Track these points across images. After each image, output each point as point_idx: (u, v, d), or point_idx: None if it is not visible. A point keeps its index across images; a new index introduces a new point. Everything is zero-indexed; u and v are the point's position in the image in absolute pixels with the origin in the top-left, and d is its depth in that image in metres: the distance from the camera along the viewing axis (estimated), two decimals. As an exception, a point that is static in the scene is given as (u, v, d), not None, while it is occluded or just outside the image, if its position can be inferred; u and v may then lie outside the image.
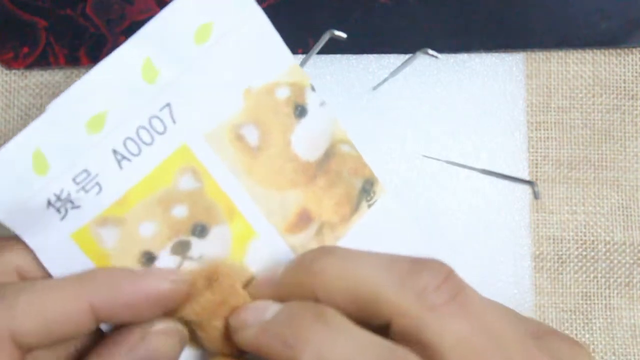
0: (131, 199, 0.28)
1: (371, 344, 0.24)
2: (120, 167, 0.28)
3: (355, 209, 0.31)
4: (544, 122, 0.44)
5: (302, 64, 0.37)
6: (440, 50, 0.40)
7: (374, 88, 0.41)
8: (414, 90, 0.41)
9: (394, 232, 0.32)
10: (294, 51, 0.43)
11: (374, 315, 0.25)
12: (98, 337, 0.28)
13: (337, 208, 0.31)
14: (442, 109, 0.41)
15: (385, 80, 0.40)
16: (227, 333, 0.27)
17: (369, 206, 0.31)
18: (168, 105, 0.28)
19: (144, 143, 0.28)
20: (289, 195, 0.30)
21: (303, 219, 0.30)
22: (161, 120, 0.28)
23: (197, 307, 0.27)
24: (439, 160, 0.39)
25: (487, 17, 0.44)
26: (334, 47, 0.39)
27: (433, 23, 0.44)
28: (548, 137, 0.44)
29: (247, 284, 0.29)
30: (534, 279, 0.43)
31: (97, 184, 0.27)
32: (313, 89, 0.31)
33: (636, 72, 0.44)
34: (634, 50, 0.44)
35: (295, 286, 0.27)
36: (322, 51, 0.35)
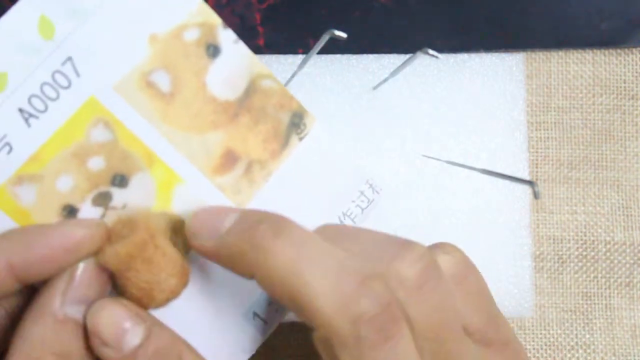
0: (44, 155, 0.28)
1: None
2: (29, 125, 0.28)
3: (285, 143, 0.31)
4: (544, 122, 0.44)
5: (302, 64, 0.37)
6: (440, 50, 0.40)
7: (374, 88, 0.41)
8: (414, 90, 0.41)
9: (327, 162, 0.32)
10: (294, 51, 0.43)
11: (303, 317, 0.25)
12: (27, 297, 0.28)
13: (265, 144, 0.31)
14: (442, 109, 0.41)
15: (385, 80, 0.40)
16: (139, 286, 0.27)
17: (300, 139, 0.31)
18: (69, 59, 0.28)
19: (50, 99, 0.28)
20: (211, 137, 0.30)
21: (229, 160, 0.30)
22: (64, 75, 0.28)
23: (111, 256, 0.27)
24: (439, 160, 0.39)
25: (487, 17, 0.44)
26: (334, 47, 0.39)
27: (433, 23, 0.44)
28: (548, 137, 0.44)
29: (176, 230, 0.29)
30: (534, 279, 0.43)
31: (7, 144, 0.28)
32: (225, 27, 0.30)
33: (636, 72, 0.44)
34: (634, 50, 0.44)
35: (237, 252, 0.26)
36: (322, 51, 0.35)
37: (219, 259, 0.27)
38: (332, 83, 0.41)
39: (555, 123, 0.44)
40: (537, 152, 0.44)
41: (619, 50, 0.44)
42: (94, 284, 0.27)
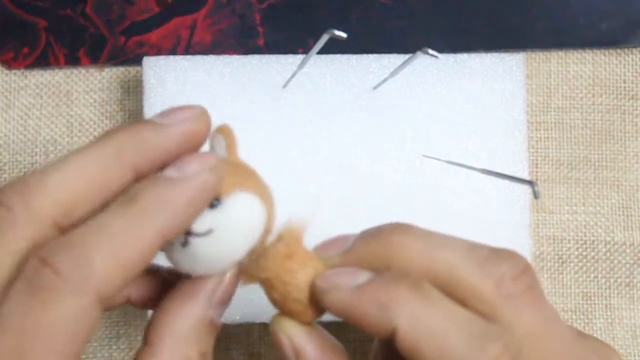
0: None
1: (465, 319, 0.25)
2: None
3: None
4: (544, 122, 0.44)
5: (302, 64, 0.37)
6: (440, 50, 0.40)
7: (374, 88, 0.41)
8: (414, 90, 0.41)
9: None
10: (294, 51, 0.43)
11: (449, 295, 0.26)
12: None
13: None
14: (442, 109, 0.41)
15: (385, 80, 0.40)
16: (296, 290, 0.27)
17: None
18: None
19: None
20: None
21: None
22: None
23: (266, 261, 0.27)
24: (439, 160, 0.39)
25: (487, 17, 0.44)
26: (334, 47, 0.39)
27: (433, 23, 0.44)
28: (548, 137, 0.44)
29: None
30: (534, 279, 0.43)
31: None
32: None
33: (636, 72, 0.44)
34: (634, 50, 0.44)
35: (369, 255, 0.27)
36: (322, 51, 0.35)
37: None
38: (332, 83, 0.41)
39: (555, 123, 0.44)
40: (537, 152, 0.44)
41: (619, 50, 0.44)
42: (233, 290, 0.28)
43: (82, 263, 0.23)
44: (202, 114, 0.27)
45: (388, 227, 0.27)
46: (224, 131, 0.27)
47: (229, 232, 0.26)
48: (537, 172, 0.44)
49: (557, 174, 0.44)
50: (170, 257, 0.27)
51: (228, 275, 0.27)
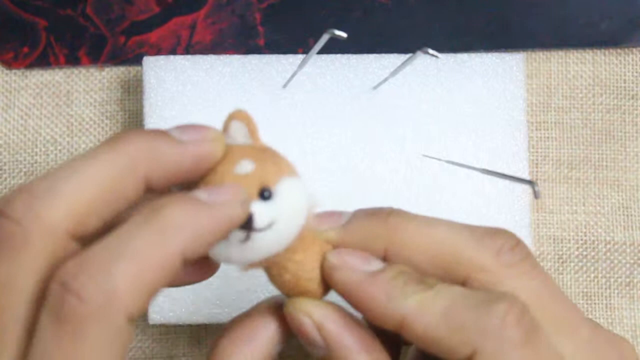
0: None
1: (468, 293, 0.26)
2: None
3: None
4: (544, 122, 0.44)
5: (302, 64, 0.37)
6: (440, 50, 0.40)
7: (374, 88, 0.41)
8: (414, 90, 0.41)
9: None
10: (294, 51, 0.43)
11: (450, 272, 0.27)
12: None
13: None
14: (442, 109, 0.41)
15: (385, 80, 0.40)
16: (309, 269, 0.27)
17: None
18: None
19: None
20: None
21: None
22: None
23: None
24: (439, 160, 0.39)
25: (487, 17, 0.44)
26: (334, 47, 0.39)
27: (433, 23, 0.44)
28: (548, 137, 0.44)
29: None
30: (534, 279, 0.43)
31: None
32: None
33: (636, 72, 0.44)
34: (634, 50, 0.44)
35: (367, 233, 0.27)
36: (322, 51, 0.35)
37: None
38: (332, 83, 0.41)
39: (555, 123, 0.44)
40: (537, 152, 0.44)
41: (619, 50, 0.44)
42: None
43: (104, 284, 0.22)
44: (220, 138, 0.26)
45: (385, 209, 0.28)
46: (243, 117, 0.27)
47: (287, 220, 0.26)
48: (537, 172, 0.44)
49: (557, 174, 0.44)
50: (218, 253, 0.26)
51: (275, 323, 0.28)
